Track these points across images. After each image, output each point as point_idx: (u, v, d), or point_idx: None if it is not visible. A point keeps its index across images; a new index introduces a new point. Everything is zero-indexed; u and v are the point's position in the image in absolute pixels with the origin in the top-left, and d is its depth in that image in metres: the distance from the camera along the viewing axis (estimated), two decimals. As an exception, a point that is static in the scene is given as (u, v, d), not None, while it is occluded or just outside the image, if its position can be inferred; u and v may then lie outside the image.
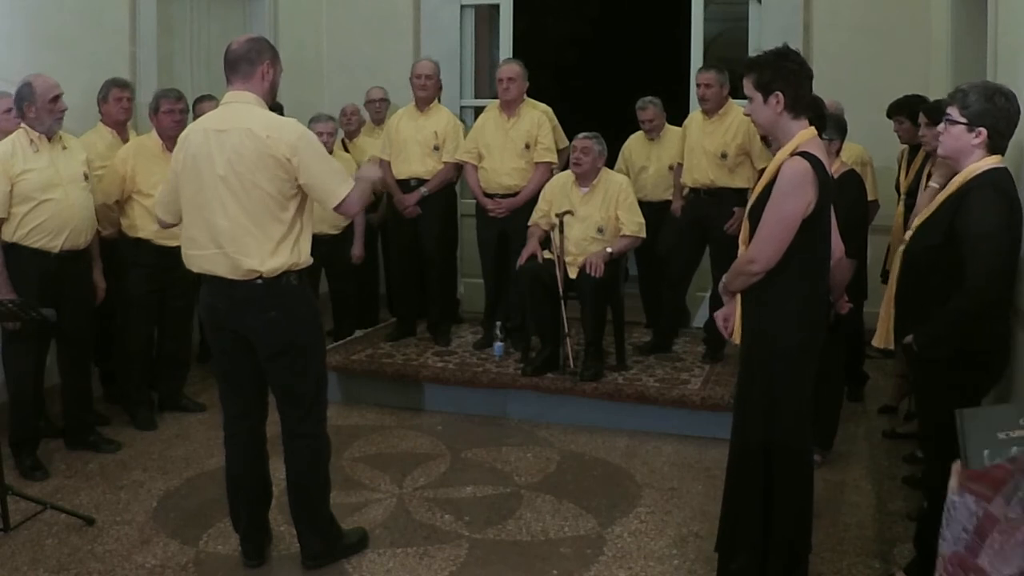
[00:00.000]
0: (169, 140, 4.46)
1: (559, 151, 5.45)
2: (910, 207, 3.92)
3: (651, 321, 5.90)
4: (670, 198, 5.61)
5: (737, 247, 2.94)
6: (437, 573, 3.18)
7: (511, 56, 6.31)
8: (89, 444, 4.27)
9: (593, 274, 4.66)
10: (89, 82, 4.74)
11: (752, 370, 2.82)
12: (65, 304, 3.93)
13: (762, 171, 3.39)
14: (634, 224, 4.89)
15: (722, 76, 5.12)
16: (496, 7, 6.81)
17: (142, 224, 4.51)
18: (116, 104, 4.69)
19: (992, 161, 2.76)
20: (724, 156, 5.06)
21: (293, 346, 3.01)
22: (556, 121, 5.55)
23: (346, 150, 6.05)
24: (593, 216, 4.90)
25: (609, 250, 4.79)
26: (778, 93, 2.66)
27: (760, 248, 2.67)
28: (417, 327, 5.66)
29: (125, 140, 4.75)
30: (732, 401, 4.22)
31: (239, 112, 2.94)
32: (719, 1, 7.59)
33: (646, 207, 5.26)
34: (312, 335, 3.09)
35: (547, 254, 4.93)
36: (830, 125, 3.68)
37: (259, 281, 2.93)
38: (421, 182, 5.44)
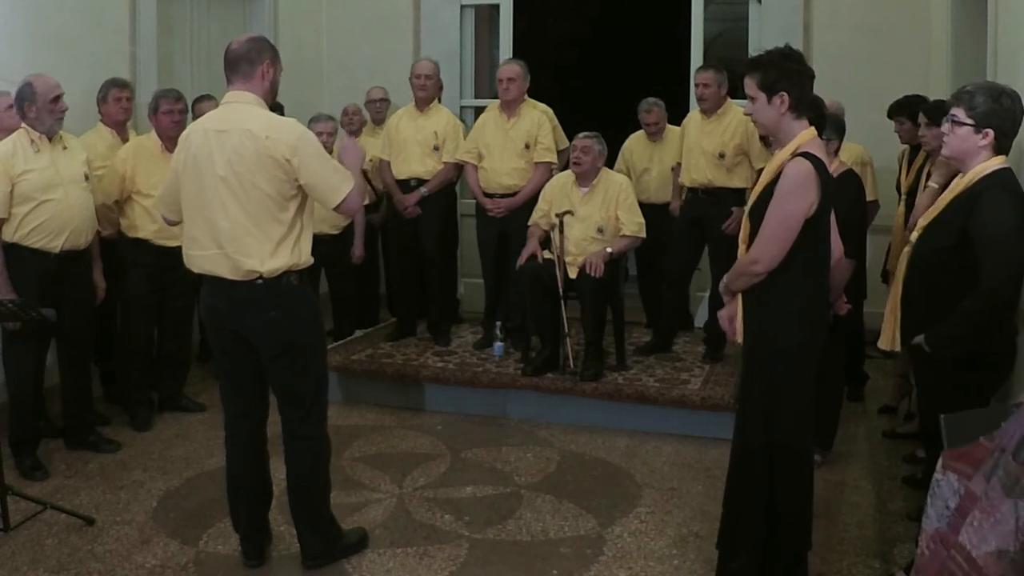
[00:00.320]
0: (168, 140, 4.46)
1: (559, 151, 5.45)
2: (911, 207, 3.92)
3: (651, 321, 5.90)
4: None
5: (736, 247, 2.94)
6: (437, 573, 3.18)
7: (511, 56, 6.32)
8: (89, 444, 4.27)
9: (593, 274, 4.67)
10: (89, 82, 4.74)
11: (753, 370, 2.82)
12: (65, 304, 3.93)
13: (760, 171, 3.40)
14: (634, 224, 4.89)
15: (720, 76, 5.11)
16: (496, 7, 6.81)
17: (141, 224, 4.52)
18: (116, 104, 4.69)
19: (998, 161, 2.78)
20: (722, 156, 5.06)
21: (293, 346, 3.01)
22: (556, 121, 5.55)
23: (346, 150, 6.05)
24: (593, 216, 4.90)
25: (609, 250, 4.79)
26: (783, 94, 2.67)
27: (764, 248, 2.67)
28: (417, 327, 5.66)
29: (125, 140, 4.75)
30: (732, 401, 4.26)
31: (239, 112, 2.94)
32: (719, 1, 7.60)
33: (649, 208, 5.27)
34: (312, 335, 3.09)
35: (547, 254, 4.93)
36: (829, 125, 3.68)
37: (259, 281, 2.93)
38: (421, 182, 5.44)
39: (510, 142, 5.32)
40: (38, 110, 3.89)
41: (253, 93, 2.98)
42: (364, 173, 5.86)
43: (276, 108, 3.52)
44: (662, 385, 4.69)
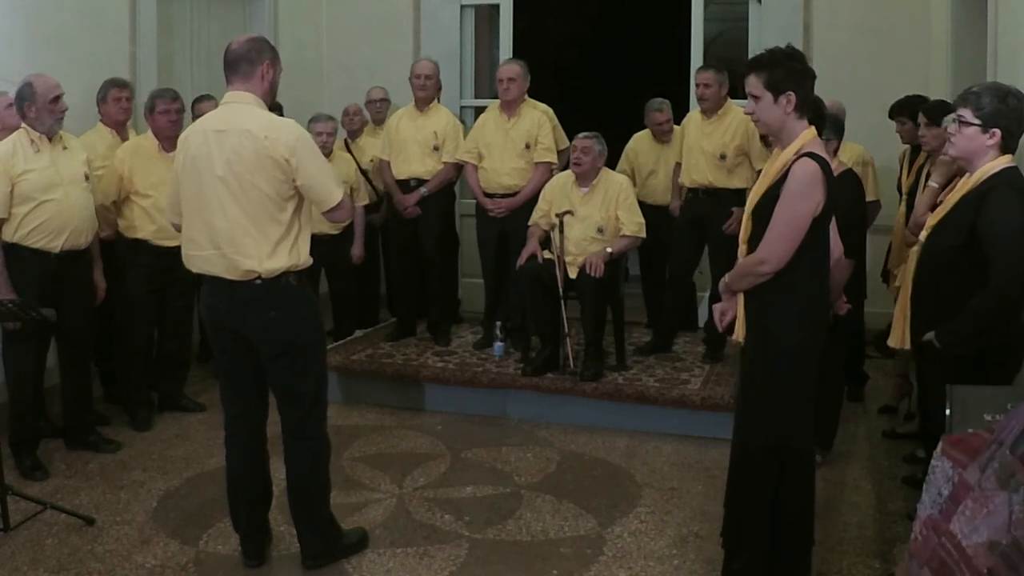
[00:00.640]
0: (165, 140, 4.46)
1: (559, 151, 5.45)
2: (911, 207, 3.93)
3: (651, 321, 5.90)
4: None
5: (736, 247, 2.94)
6: (437, 573, 3.18)
7: (511, 56, 6.31)
8: (89, 444, 4.27)
9: (593, 274, 4.66)
10: (89, 82, 4.74)
11: (753, 370, 2.83)
12: (65, 304, 3.93)
13: (759, 171, 3.40)
14: (634, 224, 4.89)
15: (721, 76, 5.10)
16: (496, 7, 6.81)
17: (140, 224, 4.52)
18: (115, 104, 4.69)
19: (1005, 161, 2.83)
20: (723, 157, 5.05)
21: (293, 346, 3.01)
22: (556, 121, 5.55)
23: (348, 150, 6.05)
24: (593, 216, 4.90)
25: (609, 250, 4.79)
26: (790, 93, 2.68)
27: (772, 248, 2.67)
28: (417, 327, 5.66)
29: (125, 140, 4.74)
30: (733, 401, 4.25)
31: (238, 112, 2.94)
32: (719, 1, 7.60)
33: (654, 209, 5.26)
34: (312, 335, 3.09)
35: (547, 254, 4.93)
36: (828, 125, 3.69)
37: (258, 282, 2.93)
38: (421, 182, 5.44)
39: (510, 142, 5.32)
40: (38, 110, 3.89)
41: (252, 93, 2.98)
42: (364, 173, 5.89)
43: (275, 108, 3.52)
44: (662, 385, 4.69)
